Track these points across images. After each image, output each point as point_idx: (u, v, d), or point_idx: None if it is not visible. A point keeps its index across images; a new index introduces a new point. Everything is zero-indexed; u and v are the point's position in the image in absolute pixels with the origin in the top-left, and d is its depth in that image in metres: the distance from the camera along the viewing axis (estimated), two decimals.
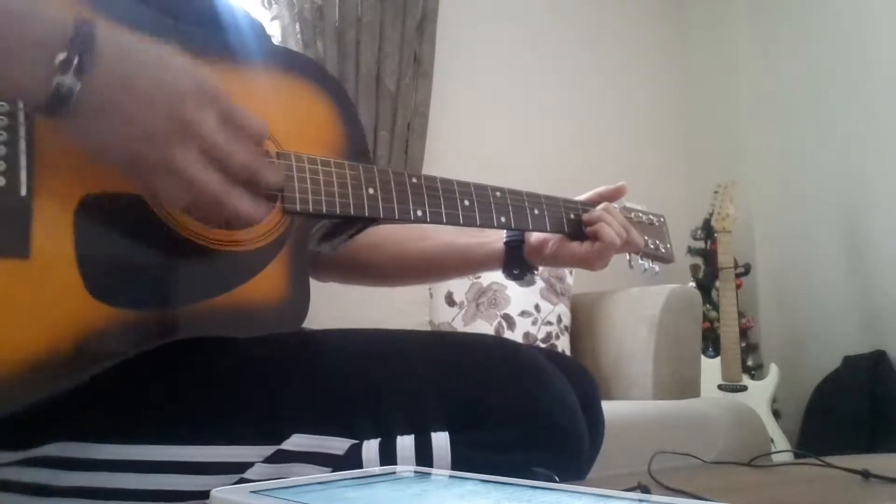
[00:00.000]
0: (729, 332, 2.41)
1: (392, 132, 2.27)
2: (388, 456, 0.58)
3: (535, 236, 0.90)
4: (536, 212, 0.84)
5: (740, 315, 2.51)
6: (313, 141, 0.69)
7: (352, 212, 0.68)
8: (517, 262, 0.91)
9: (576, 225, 0.88)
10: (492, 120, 2.59)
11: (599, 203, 0.91)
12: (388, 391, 0.62)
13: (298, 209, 0.64)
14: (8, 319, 0.49)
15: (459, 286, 2.03)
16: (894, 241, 2.38)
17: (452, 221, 0.76)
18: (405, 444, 0.59)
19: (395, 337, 0.70)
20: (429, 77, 2.34)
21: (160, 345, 0.56)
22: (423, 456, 0.59)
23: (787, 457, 2.04)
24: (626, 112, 2.92)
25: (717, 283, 2.51)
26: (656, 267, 0.99)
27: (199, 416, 0.60)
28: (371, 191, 0.69)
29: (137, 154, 0.52)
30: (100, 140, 0.52)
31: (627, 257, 0.95)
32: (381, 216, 0.70)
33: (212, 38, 0.66)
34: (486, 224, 0.79)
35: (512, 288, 2.01)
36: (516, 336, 1.98)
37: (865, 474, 0.64)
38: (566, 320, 2.06)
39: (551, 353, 0.76)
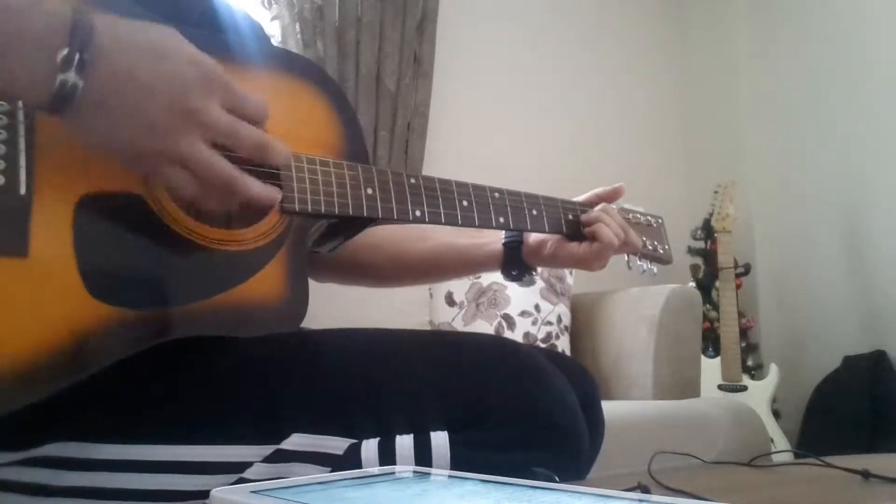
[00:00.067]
0: (729, 332, 2.41)
1: (392, 132, 2.27)
2: (386, 455, 0.58)
3: (533, 237, 0.90)
4: (535, 212, 0.84)
5: (740, 315, 2.51)
6: (312, 142, 0.69)
7: (350, 212, 0.68)
8: (516, 262, 0.91)
9: (574, 226, 0.88)
10: (492, 120, 2.59)
11: (597, 204, 0.91)
12: (387, 391, 0.62)
13: (297, 209, 0.64)
14: (6, 318, 0.49)
15: (459, 286, 2.03)
16: (894, 241, 2.38)
17: (451, 222, 0.76)
18: (404, 443, 0.59)
19: (395, 337, 0.70)
20: (429, 77, 2.34)
21: (160, 345, 0.56)
22: (422, 455, 0.59)
23: (787, 457, 2.04)
24: (626, 112, 2.92)
25: (717, 283, 2.51)
26: (654, 268, 0.99)
27: (199, 416, 0.60)
28: (370, 191, 0.69)
29: (142, 146, 0.51)
30: (103, 134, 0.51)
31: (626, 258, 0.95)
32: (380, 216, 0.70)
33: (211, 40, 0.66)
34: (485, 224, 0.79)
35: (512, 288, 2.01)
36: (516, 336, 1.98)
37: (865, 474, 0.64)
38: (566, 320, 2.06)
39: (551, 353, 0.76)
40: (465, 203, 0.77)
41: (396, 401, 0.61)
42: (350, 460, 0.58)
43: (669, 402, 1.76)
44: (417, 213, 0.72)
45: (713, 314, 2.57)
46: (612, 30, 2.92)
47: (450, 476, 0.47)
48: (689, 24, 3.11)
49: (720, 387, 2.38)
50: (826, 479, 0.70)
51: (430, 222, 0.74)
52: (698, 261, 2.71)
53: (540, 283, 2.04)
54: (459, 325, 2.00)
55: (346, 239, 0.76)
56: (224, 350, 0.62)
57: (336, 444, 0.59)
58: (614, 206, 0.92)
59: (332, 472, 0.57)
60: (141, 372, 0.58)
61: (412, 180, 0.73)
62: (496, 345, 0.68)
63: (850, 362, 2.39)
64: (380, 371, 0.63)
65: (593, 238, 0.87)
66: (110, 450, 0.58)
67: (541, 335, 2.01)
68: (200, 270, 0.60)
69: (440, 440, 0.59)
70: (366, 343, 0.67)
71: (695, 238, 2.72)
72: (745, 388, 2.38)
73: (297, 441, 0.59)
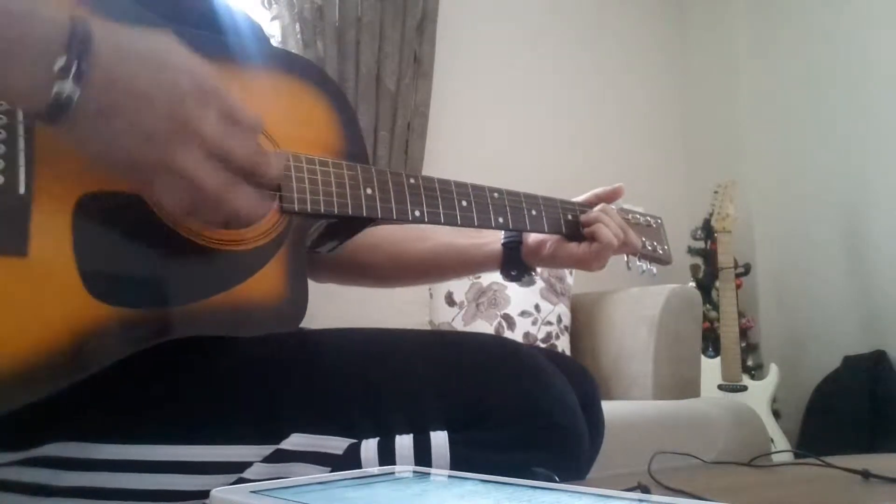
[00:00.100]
0: (729, 332, 2.41)
1: (392, 132, 2.27)
2: (386, 455, 0.58)
3: (532, 237, 0.90)
4: (534, 213, 0.84)
5: (740, 315, 2.51)
6: (312, 142, 0.69)
7: (350, 212, 0.68)
8: (515, 263, 0.91)
9: (573, 226, 0.88)
10: (492, 120, 2.59)
11: (597, 204, 0.91)
12: (387, 391, 0.62)
13: (297, 209, 0.64)
14: (6, 318, 0.49)
15: (459, 286, 2.03)
16: (894, 241, 2.38)
17: (450, 222, 0.76)
18: (404, 443, 0.59)
19: (395, 336, 0.70)
20: (429, 77, 2.34)
21: (160, 345, 0.56)
22: (422, 455, 0.59)
23: (787, 457, 2.04)
24: (626, 112, 2.92)
25: (717, 283, 2.51)
26: (654, 268, 0.99)
27: (199, 416, 0.60)
28: (369, 191, 0.69)
29: (138, 157, 0.51)
30: (99, 144, 0.51)
31: (625, 258, 0.95)
32: (379, 216, 0.70)
33: (211, 41, 0.66)
34: (484, 224, 0.79)
35: (512, 288, 2.01)
36: (516, 336, 1.98)
37: (865, 474, 0.64)
38: (566, 320, 2.06)
39: (551, 353, 0.76)
40: (464, 203, 0.77)
41: (396, 401, 0.61)
42: (350, 460, 0.58)
43: (669, 402, 1.76)
44: (417, 213, 0.72)
45: (713, 314, 2.57)
46: (612, 30, 2.92)
47: (450, 476, 0.47)
48: (689, 24, 3.11)
49: (720, 387, 2.38)
50: (826, 479, 0.70)
51: (430, 222, 0.74)
52: (698, 261, 2.71)
53: (540, 283, 2.04)
54: (459, 325, 2.00)
55: (346, 239, 0.76)
56: (224, 350, 0.62)
57: (336, 444, 0.59)
58: (614, 207, 0.92)
59: (331, 472, 0.57)
60: (141, 372, 0.58)
61: (411, 180, 0.73)
62: (496, 345, 0.68)
63: (850, 362, 2.39)
64: (379, 371, 0.63)
65: (592, 238, 0.87)
66: (110, 450, 0.58)
67: (541, 335, 2.01)
68: (200, 270, 0.59)
69: (440, 440, 0.59)
70: (365, 343, 0.67)
71: (695, 238, 2.72)
72: (745, 388, 2.38)
73: (296, 441, 0.59)
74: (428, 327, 2.00)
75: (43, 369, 0.50)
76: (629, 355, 1.88)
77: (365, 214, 0.69)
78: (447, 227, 0.78)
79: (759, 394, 2.36)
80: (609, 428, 0.81)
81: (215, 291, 0.59)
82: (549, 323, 2.02)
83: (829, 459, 0.73)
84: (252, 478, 0.58)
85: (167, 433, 0.59)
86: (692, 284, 2.40)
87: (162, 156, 0.51)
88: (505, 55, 2.65)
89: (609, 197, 0.93)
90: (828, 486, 0.67)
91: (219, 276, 0.60)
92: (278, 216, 0.64)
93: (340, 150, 0.71)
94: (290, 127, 0.67)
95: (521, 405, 0.62)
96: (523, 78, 2.68)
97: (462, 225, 0.77)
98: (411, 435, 0.60)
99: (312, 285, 0.70)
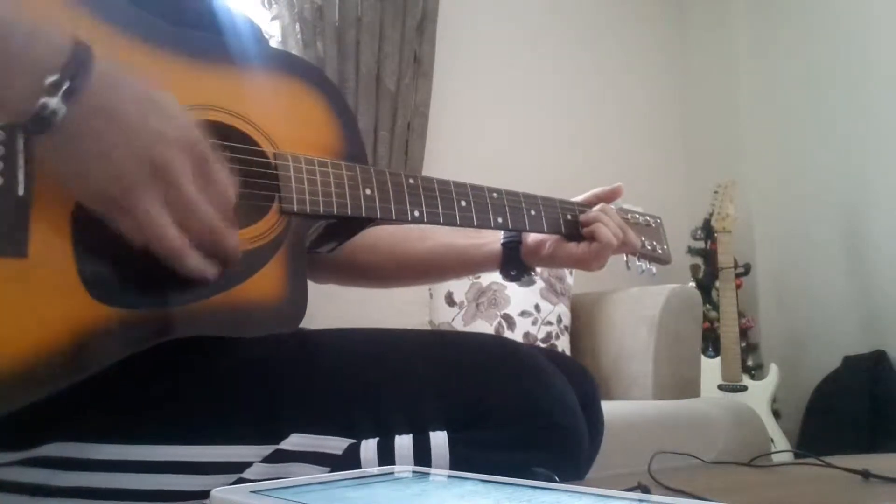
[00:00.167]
0: (729, 332, 2.41)
1: (392, 132, 2.27)
2: (386, 455, 0.58)
3: (532, 237, 0.90)
4: (533, 213, 0.84)
5: (740, 315, 2.51)
6: (311, 143, 0.69)
7: (349, 212, 0.68)
8: (514, 263, 0.91)
9: (572, 226, 0.88)
10: (492, 120, 2.59)
11: (596, 204, 0.91)
12: (387, 391, 0.62)
13: (296, 209, 0.64)
14: (6, 319, 0.49)
15: (459, 286, 2.03)
16: (894, 241, 2.38)
17: (449, 222, 0.76)
18: (403, 443, 0.59)
19: (395, 336, 0.70)
20: (429, 77, 2.34)
21: (160, 345, 0.56)
22: (422, 455, 0.59)
23: (787, 457, 2.04)
24: (626, 112, 2.92)
25: (717, 283, 2.51)
26: (653, 268, 0.99)
27: (199, 416, 0.61)
28: (368, 191, 0.69)
29: (104, 191, 0.51)
30: (72, 167, 0.51)
31: (625, 258, 0.95)
32: (379, 216, 0.70)
33: (210, 42, 0.66)
34: (483, 224, 0.79)
35: (512, 288, 2.01)
36: (516, 336, 1.98)
37: (865, 474, 0.64)
38: (566, 320, 2.06)
39: (551, 353, 0.76)
40: (463, 203, 0.77)
41: (396, 401, 0.61)
42: (349, 460, 0.58)
43: (669, 402, 1.76)
44: (416, 213, 0.73)
45: (713, 314, 2.57)
46: (612, 30, 2.92)
47: (449, 476, 0.47)
48: (689, 24, 3.11)
49: (720, 387, 2.38)
50: (826, 479, 0.70)
51: (429, 222, 0.74)
52: (698, 261, 2.71)
53: (540, 283, 2.04)
54: (459, 325, 2.00)
55: (345, 239, 0.76)
56: (224, 350, 0.62)
57: (335, 444, 0.59)
58: (613, 206, 0.92)
59: (331, 472, 0.57)
60: (141, 372, 0.58)
61: (411, 181, 0.73)
62: (496, 345, 0.68)
63: (850, 362, 2.39)
64: (379, 371, 0.63)
65: (592, 238, 0.87)
66: (110, 450, 0.58)
67: (541, 335, 2.01)
68: None
69: (439, 440, 0.59)
70: (365, 343, 0.68)
71: (695, 238, 2.72)
72: (745, 388, 2.38)
73: (296, 441, 0.59)
74: (428, 327, 2.00)
75: (43, 370, 0.50)
76: (629, 355, 1.88)
77: (364, 215, 0.69)
78: (446, 228, 0.78)
79: (759, 394, 2.36)
80: (609, 428, 0.81)
81: (215, 292, 0.59)
82: (549, 323, 2.02)
83: (829, 459, 0.73)
84: (252, 478, 0.58)
85: (167, 433, 0.59)
86: (692, 284, 2.40)
87: (126, 196, 0.51)
88: (505, 55, 2.65)
89: (608, 197, 0.93)
90: (828, 486, 0.67)
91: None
92: (278, 217, 0.64)
93: (340, 150, 0.71)
94: (290, 128, 0.68)
95: (521, 405, 0.62)
96: (523, 78, 2.68)
97: (461, 225, 0.77)
98: (411, 435, 0.60)
99: (312, 285, 0.70)
